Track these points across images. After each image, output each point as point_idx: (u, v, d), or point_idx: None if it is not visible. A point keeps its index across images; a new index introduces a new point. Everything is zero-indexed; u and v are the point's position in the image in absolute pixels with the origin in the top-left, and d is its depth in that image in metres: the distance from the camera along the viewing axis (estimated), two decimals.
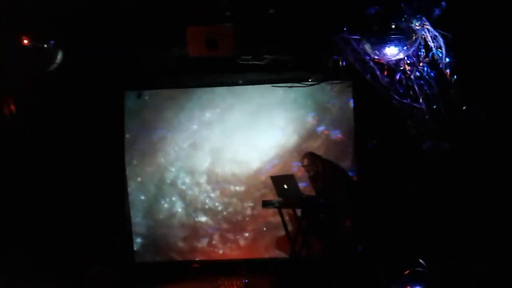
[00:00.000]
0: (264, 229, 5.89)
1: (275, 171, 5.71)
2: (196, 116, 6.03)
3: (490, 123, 4.07)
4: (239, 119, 5.99)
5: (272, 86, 5.84)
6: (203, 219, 6.04)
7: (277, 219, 5.40)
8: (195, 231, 5.99)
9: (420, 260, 4.17)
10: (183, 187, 6.10)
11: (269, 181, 5.23)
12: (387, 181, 5.25)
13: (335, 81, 5.52)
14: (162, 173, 6.09)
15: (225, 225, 5.99)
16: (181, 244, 5.98)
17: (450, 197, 4.31)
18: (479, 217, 4.20)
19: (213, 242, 5.96)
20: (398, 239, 4.69)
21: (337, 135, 5.92)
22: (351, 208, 4.92)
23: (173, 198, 6.10)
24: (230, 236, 5.96)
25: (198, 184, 6.07)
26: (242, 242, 5.94)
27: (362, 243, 4.99)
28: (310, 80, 5.59)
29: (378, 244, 4.82)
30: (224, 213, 6.02)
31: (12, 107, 4.45)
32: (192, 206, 6.04)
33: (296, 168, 5.60)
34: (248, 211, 5.97)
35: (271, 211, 5.62)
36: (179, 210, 6.06)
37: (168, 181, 6.11)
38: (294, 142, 5.92)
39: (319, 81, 5.54)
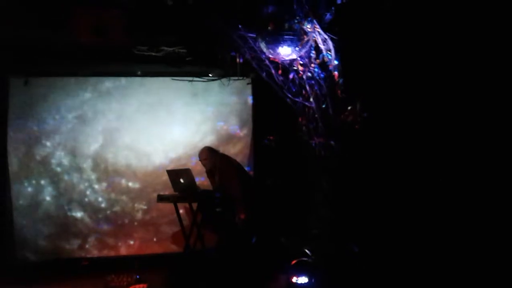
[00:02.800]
0: (157, 224, 5.82)
1: (173, 165, 5.66)
2: (89, 103, 5.76)
3: (372, 122, 4.40)
4: (137, 110, 5.84)
5: (172, 79, 5.78)
6: (77, 214, 5.72)
7: (172, 213, 5.35)
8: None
9: (306, 250, 4.40)
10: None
11: (166, 178, 5.17)
12: (281, 176, 5.47)
13: (234, 77, 5.60)
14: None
15: (105, 227, 5.75)
16: (68, 241, 5.68)
17: (336, 191, 4.60)
18: (363, 209, 4.54)
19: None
20: (287, 231, 4.90)
21: (236, 130, 6.02)
22: (246, 202, 5.02)
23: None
24: (124, 232, 5.78)
25: (79, 169, 5.75)
26: (136, 238, 5.79)
27: (256, 236, 5.14)
28: (210, 75, 5.62)
29: (268, 236, 4.99)
30: (108, 212, 5.79)
31: None
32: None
33: (194, 163, 5.59)
34: (139, 215, 5.81)
35: (166, 205, 5.59)
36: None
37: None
38: (193, 136, 5.90)
39: (219, 76, 5.58)
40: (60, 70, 5.53)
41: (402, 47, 4.59)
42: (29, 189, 5.63)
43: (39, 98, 5.64)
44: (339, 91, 4.44)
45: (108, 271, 4.87)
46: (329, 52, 4.34)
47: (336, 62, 4.37)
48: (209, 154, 5.21)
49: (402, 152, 4.69)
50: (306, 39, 4.06)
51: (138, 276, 4.66)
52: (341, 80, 4.42)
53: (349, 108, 4.42)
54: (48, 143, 5.69)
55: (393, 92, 4.61)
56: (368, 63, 4.52)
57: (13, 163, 5.58)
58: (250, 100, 5.99)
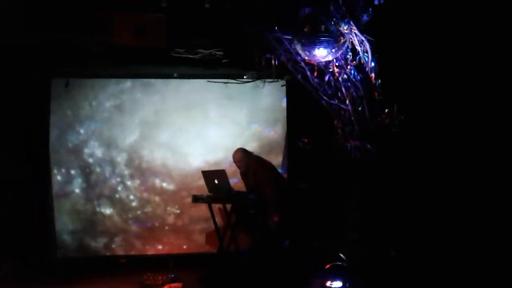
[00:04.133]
0: (194, 224, 5.88)
1: (207, 166, 5.71)
2: (126, 106, 5.89)
3: (408, 125, 4.32)
4: (173, 111, 5.93)
5: (207, 81, 5.84)
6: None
7: (207, 214, 5.40)
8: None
9: (341, 255, 4.35)
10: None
11: (201, 180, 5.22)
12: (315, 179, 5.44)
13: (269, 80, 5.61)
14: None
15: (141, 225, 5.84)
16: (106, 239, 5.79)
17: (373, 195, 4.53)
18: (399, 214, 4.47)
19: (142, 237, 5.82)
20: (321, 235, 4.86)
21: (269, 132, 6.02)
22: (280, 205, 5.02)
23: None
24: (160, 232, 5.87)
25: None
26: (171, 238, 5.87)
27: (289, 239, 5.12)
28: (245, 77, 5.65)
29: (302, 239, 4.96)
30: (142, 211, 5.87)
31: None
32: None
33: (228, 164, 5.63)
34: (173, 215, 5.87)
35: (201, 206, 5.66)
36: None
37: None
38: (227, 138, 5.94)
39: (253, 78, 5.60)
40: (100, 71, 5.67)
41: (440, 49, 4.50)
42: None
43: (78, 96, 5.82)
44: (376, 93, 4.38)
45: (143, 270, 4.96)
46: (366, 54, 4.30)
47: (373, 64, 4.33)
48: (243, 156, 5.22)
49: (439, 157, 4.59)
50: (342, 40, 4.03)
51: (173, 275, 4.73)
52: (378, 82, 4.37)
53: (386, 110, 4.36)
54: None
55: (432, 95, 4.52)
56: (406, 65, 4.45)
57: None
58: (284, 102, 5.98)
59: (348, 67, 4.37)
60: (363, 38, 4.16)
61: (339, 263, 4.29)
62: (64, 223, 5.71)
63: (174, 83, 5.94)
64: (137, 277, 4.73)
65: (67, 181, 5.78)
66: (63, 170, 5.78)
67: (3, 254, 4.45)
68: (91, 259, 5.69)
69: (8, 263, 4.27)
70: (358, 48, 4.23)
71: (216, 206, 5.41)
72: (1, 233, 4.87)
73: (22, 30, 4.30)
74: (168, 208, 5.90)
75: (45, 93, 5.58)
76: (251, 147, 5.64)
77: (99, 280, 4.85)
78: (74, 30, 4.22)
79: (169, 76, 5.85)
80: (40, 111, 5.54)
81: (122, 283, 4.69)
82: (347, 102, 4.45)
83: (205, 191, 5.19)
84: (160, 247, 5.84)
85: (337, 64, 4.37)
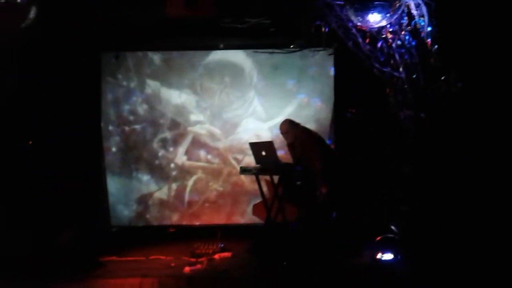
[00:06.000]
0: (240, 195, 5.91)
1: (254, 138, 5.69)
2: (173, 78, 5.92)
3: (467, 93, 4.11)
4: (218, 83, 5.91)
5: (254, 51, 5.77)
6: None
7: (254, 185, 5.41)
8: (170, 195, 5.93)
9: (392, 227, 4.26)
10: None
11: (247, 148, 5.22)
12: (364, 150, 5.31)
13: (316, 48, 5.46)
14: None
15: (189, 196, 5.94)
16: (156, 208, 5.95)
17: (425, 166, 4.38)
18: (452, 187, 4.30)
19: (189, 207, 5.94)
20: (373, 207, 4.77)
21: (316, 102, 5.91)
22: (327, 176, 4.95)
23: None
24: (207, 202, 5.96)
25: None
26: (218, 208, 5.94)
27: (337, 210, 5.06)
28: (291, 46, 5.52)
29: (351, 211, 4.90)
30: (192, 182, 5.95)
31: None
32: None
33: (275, 136, 5.58)
34: (221, 186, 5.94)
35: (248, 177, 5.66)
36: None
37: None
38: (273, 109, 5.89)
39: (300, 47, 5.47)
40: (148, 44, 5.70)
41: (504, 12, 4.21)
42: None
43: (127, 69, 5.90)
44: (432, 60, 4.18)
45: (192, 239, 5.06)
46: (422, 18, 4.10)
47: (429, 29, 4.11)
48: (290, 127, 5.15)
49: (501, 130, 4.35)
50: (398, 4, 3.84)
51: (222, 245, 4.80)
52: (434, 48, 4.15)
53: (442, 78, 4.16)
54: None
55: (493, 61, 4.26)
56: (465, 29, 4.19)
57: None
58: (332, 71, 5.82)
59: (403, 32, 4.18)
60: (420, 1, 3.95)
61: (390, 235, 4.21)
62: (117, 195, 5.89)
63: (220, 54, 5.89)
64: (188, 246, 4.83)
65: (116, 153, 5.93)
66: (113, 142, 5.92)
67: (63, 224, 4.64)
68: (142, 228, 5.87)
69: (67, 233, 4.45)
70: (414, 12, 4.03)
71: (263, 178, 5.40)
72: (60, 203, 5.06)
73: (74, 6, 4.33)
74: (215, 179, 5.95)
75: (96, 67, 5.69)
76: (298, 117, 5.55)
77: (151, 248, 4.98)
78: (126, 4, 4.22)
79: (215, 47, 5.81)
80: (92, 84, 5.66)
81: (174, 252, 4.80)
82: (401, 69, 4.28)
83: (252, 163, 5.19)
84: (207, 218, 5.93)
85: (390, 29, 4.19)
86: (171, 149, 5.95)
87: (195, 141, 5.95)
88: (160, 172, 5.95)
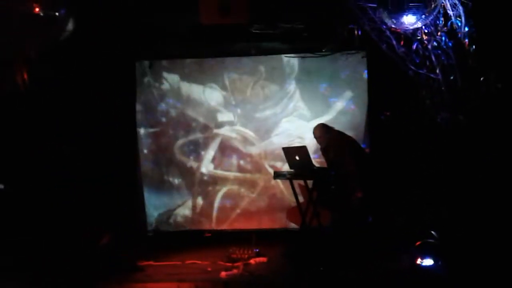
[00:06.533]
0: (275, 200, 5.91)
1: (287, 143, 5.69)
2: (206, 84, 5.97)
3: (508, 95, 3.99)
4: (250, 88, 5.93)
5: (285, 56, 5.77)
6: (197, 189, 5.98)
7: (288, 190, 5.40)
8: (205, 200, 5.98)
9: (432, 232, 4.17)
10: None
11: (281, 153, 5.22)
12: (399, 153, 5.22)
13: (349, 51, 5.42)
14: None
15: (224, 201, 5.96)
16: (191, 213, 6.01)
17: (463, 170, 4.28)
18: (492, 191, 4.18)
19: (224, 212, 5.98)
20: (409, 211, 4.69)
21: (350, 106, 5.85)
22: (362, 180, 4.89)
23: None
24: (242, 207, 5.98)
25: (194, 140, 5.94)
26: (253, 213, 5.96)
27: (372, 215, 4.99)
28: (323, 50, 5.51)
29: (387, 215, 4.82)
30: (227, 188, 5.96)
31: (25, 76, 4.42)
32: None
33: (308, 140, 5.56)
34: (256, 191, 5.93)
35: (282, 182, 5.67)
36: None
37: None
38: (306, 113, 5.87)
39: (332, 51, 5.45)
40: (180, 52, 5.78)
41: None
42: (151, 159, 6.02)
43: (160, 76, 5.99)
44: (469, 61, 4.09)
45: (227, 244, 5.07)
46: (458, 19, 4.01)
47: (466, 29, 4.03)
48: (323, 131, 5.13)
49: None
50: (433, 5, 3.77)
51: (257, 250, 4.80)
52: (472, 48, 4.06)
53: (481, 79, 4.05)
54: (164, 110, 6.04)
55: None
56: (504, 29, 4.07)
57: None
58: (365, 74, 5.76)
59: (439, 33, 4.10)
60: (457, 1, 3.87)
61: (430, 240, 4.12)
62: (153, 200, 5.99)
63: (252, 59, 5.92)
64: (223, 251, 4.85)
65: (151, 159, 6.04)
66: (147, 148, 6.04)
67: (102, 228, 4.75)
68: (177, 233, 5.94)
69: (106, 237, 4.55)
70: (450, 12, 3.95)
71: (296, 182, 5.39)
72: (99, 208, 5.18)
73: (109, 15, 4.45)
74: (249, 184, 5.97)
75: (130, 75, 5.82)
76: (331, 122, 5.52)
77: (186, 253, 5.02)
78: (160, 12, 4.30)
79: (248, 52, 5.84)
80: (126, 92, 5.79)
81: (209, 256, 4.83)
82: (437, 71, 4.20)
83: (286, 168, 5.18)
84: (241, 223, 5.95)
85: (426, 31, 4.12)
86: (197, 154, 5.97)
87: (223, 146, 5.97)
88: (190, 177, 6.00)
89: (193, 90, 5.98)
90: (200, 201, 6.01)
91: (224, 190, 5.99)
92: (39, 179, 5.04)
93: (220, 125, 5.98)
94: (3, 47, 4.06)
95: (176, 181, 6.03)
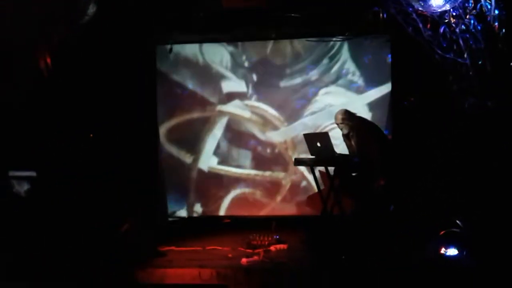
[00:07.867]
0: (294, 187, 5.86)
1: (308, 129, 5.62)
2: (226, 69, 5.85)
3: None
4: (272, 74, 5.84)
5: (307, 40, 5.66)
6: (219, 172, 5.80)
7: (309, 177, 5.35)
8: (226, 185, 5.91)
9: (457, 221, 4.09)
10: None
11: (302, 139, 5.16)
12: (424, 140, 5.12)
13: (372, 35, 5.29)
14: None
15: (243, 187, 5.86)
16: (211, 199, 5.99)
17: (490, 157, 4.17)
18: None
19: (244, 199, 5.94)
20: (433, 199, 4.60)
21: (373, 91, 5.73)
22: (385, 167, 4.81)
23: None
24: (262, 194, 5.94)
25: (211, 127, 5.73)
26: (273, 200, 5.92)
27: (395, 203, 4.92)
28: (346, 34, 5.39)
29: (412, 204, 4.74)
30: (247, 173, 5.83)
31: (48, 61, 4.43)
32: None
33: (330, 126, 5.48)
34: (277, 177, 5.83)
35: (303, 169, 5.62)
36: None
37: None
38: (327, 98, 5.76)
39: (355, 35, 5.33)
40: (200, 36, 5.70)
41: None
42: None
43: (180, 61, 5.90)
44: (499, 45, 3.95)
45: (247, 230, 5.07)
46: (488, 1, 3.87)
47: (496, 12, 3.88)
48: (345, 117, 5.03)
49: None
50: None
51: (277, 237, 4.79)
52: (502, 32, 3.92)
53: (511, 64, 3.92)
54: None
55: None
56: None
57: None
58: (388, 58, 5.63)
59: (467, 16, 3.96)
60: None
61: (455, 229, 4.04)
62: (174, 188, 5.96)
63: (273, 43, 5.81)
64: (243, 237, 4.85)
65: (171, 145, 5.99)
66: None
67: (124, 215, 4.78)
68: (197, 219, 5.94)
69: (128, 223, 4.59)
70: None
71: (318, 169, 5.33)
72: (121, 194, 5.22)
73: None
74: (269, 170, 5.91)
75: (151, 59, 5.79)
76: (354, 107, 5.41)
77: (207, 239, 5.04)
78: None
79: (268, 37, 5.73)
80: (147, 77, 5.77)
81: (229, 242, 4.84)
82: (465, 55, 4.07)
83: (307, 154, 5.12)
84: (261, 209, 5.92)
85: (454, 14, 3.99)
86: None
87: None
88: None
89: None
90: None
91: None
92: (63, 168, 5.08)
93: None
94: (26, 32, 4.08)
95: (195, 168, 5.87)
